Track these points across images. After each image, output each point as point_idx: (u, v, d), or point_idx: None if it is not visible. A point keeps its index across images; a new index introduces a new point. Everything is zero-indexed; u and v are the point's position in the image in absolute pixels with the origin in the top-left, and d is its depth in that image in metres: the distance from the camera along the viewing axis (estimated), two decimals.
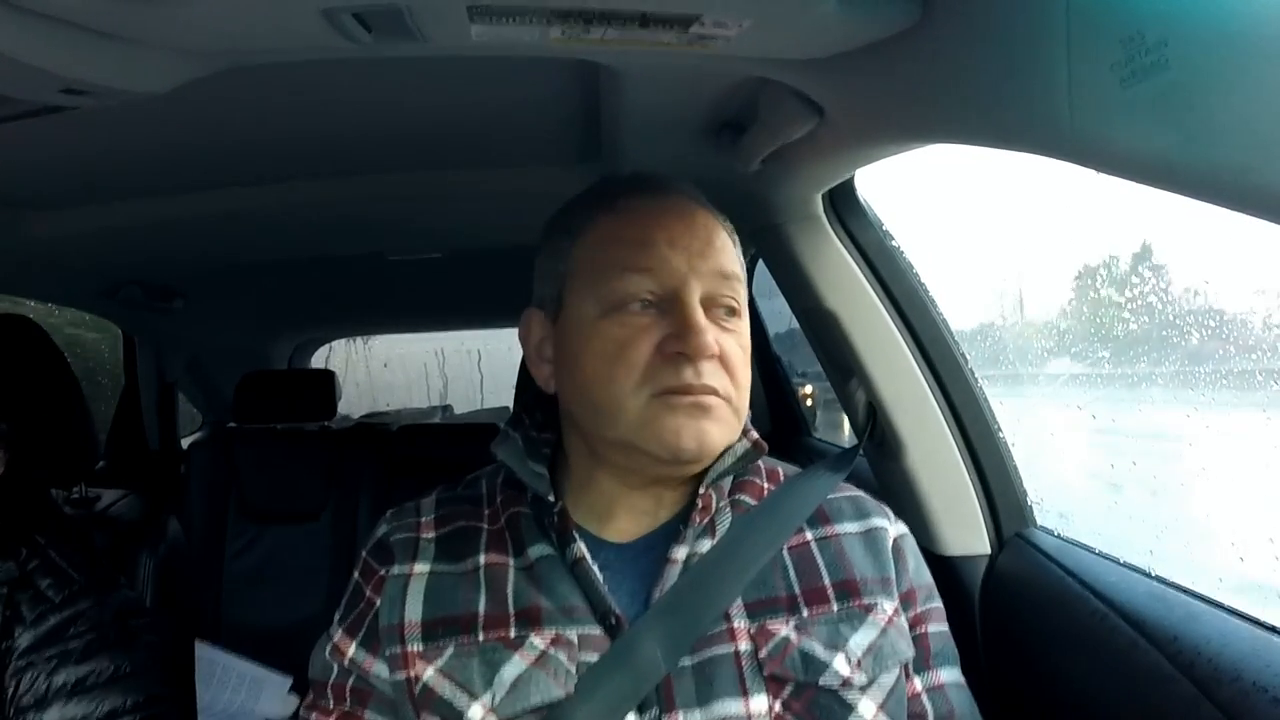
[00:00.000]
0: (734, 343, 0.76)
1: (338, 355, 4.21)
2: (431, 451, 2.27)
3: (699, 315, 0.73)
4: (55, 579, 1.02)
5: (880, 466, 1.27)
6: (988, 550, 1.17)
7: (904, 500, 1.20)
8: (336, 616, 0.81)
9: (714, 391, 0.73)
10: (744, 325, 0.78)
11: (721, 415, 0.74)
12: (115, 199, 1.33)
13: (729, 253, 0.78)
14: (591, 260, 0.76)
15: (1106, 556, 1.02)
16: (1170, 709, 0.80)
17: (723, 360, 0.74)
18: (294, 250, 1.81)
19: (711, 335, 0.73)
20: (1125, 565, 0.99)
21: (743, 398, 0.76)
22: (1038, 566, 1.07)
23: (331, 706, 0.77)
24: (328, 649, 0.79)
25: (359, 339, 4.54)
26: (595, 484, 0.79)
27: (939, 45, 0.67)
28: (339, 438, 2.37)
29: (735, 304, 0.77)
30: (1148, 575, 0.95)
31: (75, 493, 1.46)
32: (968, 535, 1.18)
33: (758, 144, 1.03)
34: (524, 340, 0.84)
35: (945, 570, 1.14)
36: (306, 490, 2.23)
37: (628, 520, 0.79)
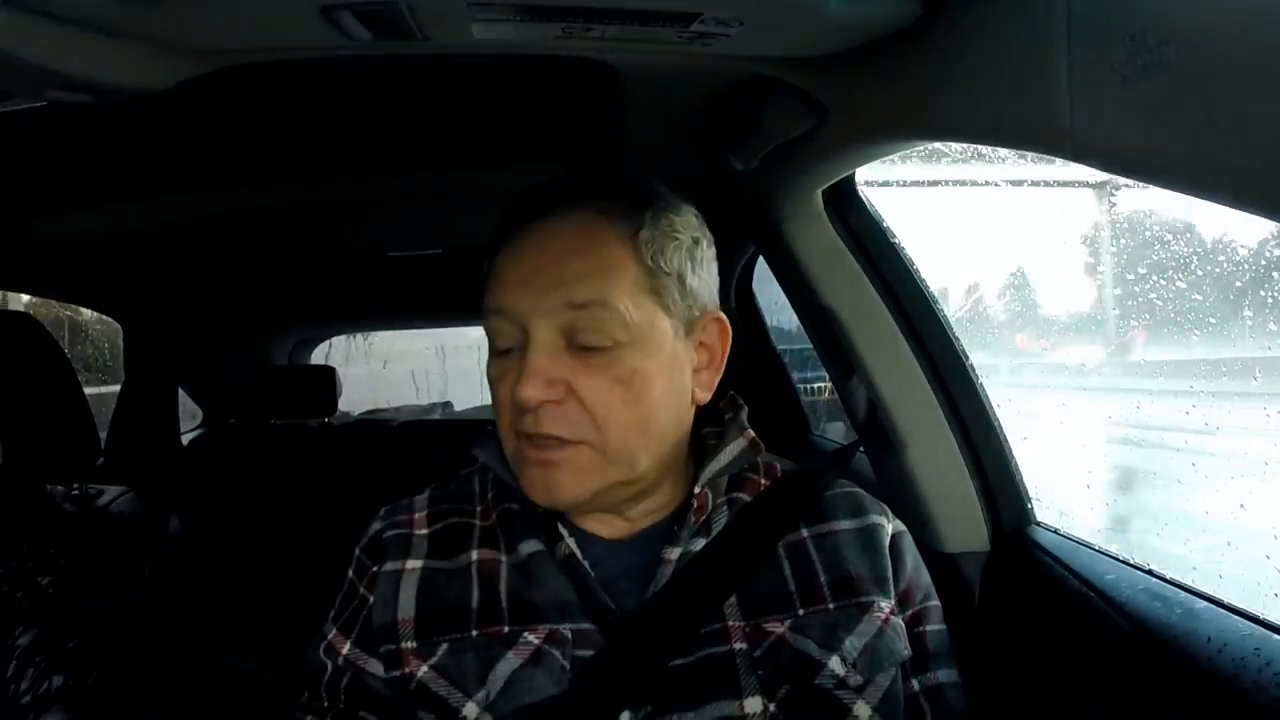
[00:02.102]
0: (598, 378, 0.70)
1: (338, 351, 4.21)
2: (432, 448, 2.27)
3: (532, 361, 0.69)
4: (55, 577, 1.02)
5: (880, 463, 1.27)
6: (987, 547, 1.17)
7: (904, 497, 1.20)
8: (331, 614, 0.81)
9: (558, 439, 0.70)
10: (629, 350, 0.71)
11: (579, 465, 0.71)
12: (115, 198, 1.33)
13: (596, 275, 0.71)
14: (484, 301, 0.77)
15: (1106, 554, 1.02)
16: (1170, 708, 0.80)
17: (579, 400, 0.70)
18: (294, 248, 1.81)
19: (541, 383, 0.69)
20: (1125, 562, 0.98)
21: (617, 436, 0.71)
22: (1037, 564, 1.07)
23: (325, 705, 0.77)
24: (322, 647, 0.79)
25: (359, 335, 4.54)
26: None
27: (939, 44, 0.67)
28: (339, 434, 2.37)
29: (596, 337, 0.70)
30: (1147, 573, 0.95)
31: (75, 490, 1.46)
32: (967, 532, 1.18)
33: (758, 142, 1.03)
34: None
35: (945, 567, 1.14)
36: (306, 488, 2.23)
37: (607, 527, 0.79)
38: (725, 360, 0.80)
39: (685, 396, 0.76)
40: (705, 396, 0.78)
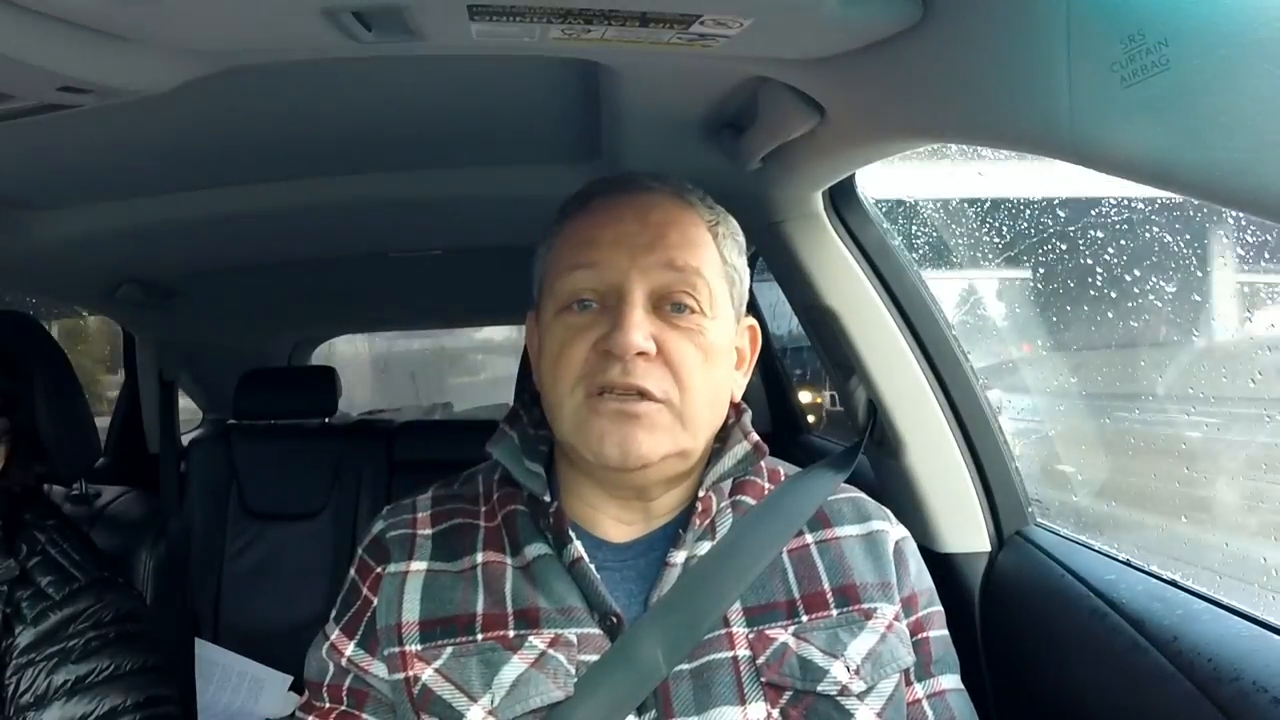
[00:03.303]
0: (685, 342, 0.73)
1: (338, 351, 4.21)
2: (432, 449, 2.27)
3: (631, 312, 0.71)
4: (56, 576, 1.02)
5: (880, 464, 1.27)
6: (988, 548, 1.17)
7: (904, 498, 1.20)
8: (333, 615, 0.80)
9: (644, 393, 0.71)
10: (710, 324, 0.74)
11: (656, 422, 0.71)
12: (115, 198, 1.33)
13: (691, 246, 0.75)
14: (554, 261, 0.77)
15: (1106, 554, 1.02)
16: (1170, 708, 0.80)
17: (666, 360, 0.71)
18: (294, 249, 1.81)
19: (642, 333, 0.70)
20: (1125, 563, 0.99)
21: (693, 401, 0.72)
22: (1038, 564, 1.08)
23: (327, 706, 0.77)
24: (324, 648, 0.79)
25: (359, 336, 4.54)
26: (579, 486, 0.79)
27: (939, 45, 0.67)
28: (339, 435, 2.37)
29: (690, 300, 0.74)
30: (1147, 573, 0.95)
31: (75, 490, 1.46)
32: (968, 533, 1.18)
33: (758, 143, 1.03)
34: (527, 341, 0.85)
35: (945, 568, 1.14)
36: (307, 488, 2.23)
37: (615, 526, 0.79)
38: (753, 366, 0.84)
39: (729, 387, 0.79)
40: (737, 396, 0.81)
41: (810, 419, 2.41)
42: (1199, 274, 1.22)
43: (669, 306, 0.73)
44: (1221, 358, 1.30)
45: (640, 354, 0.70)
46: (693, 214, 0.78)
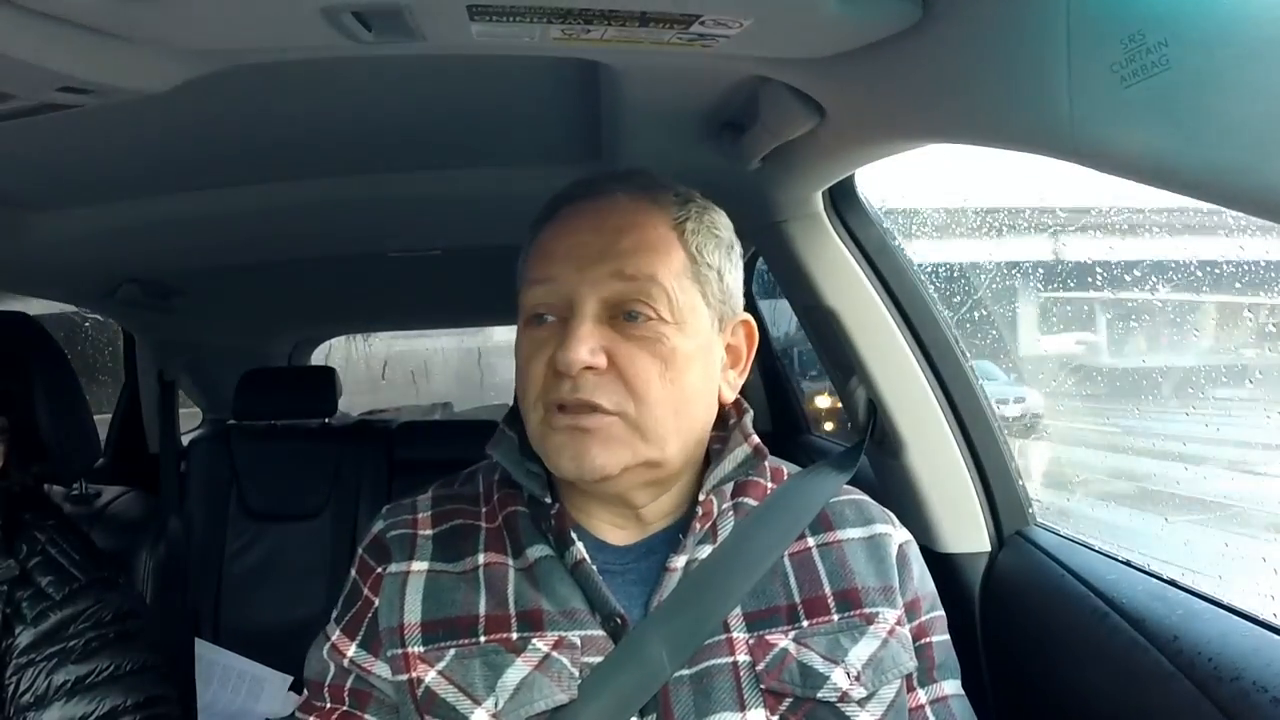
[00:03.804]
0: (640, 352, 0.71)
1: (338, 352, 4.21)
2: (432, 449, 2.27)
3: (578, 327, 0.70)
4: (56, 576, 1.02)
5: (881, 464, 1.27)
6: (988, 548, 1.17)
7: (904, 498, 1.20)
8: (334, 615, 0.80)
9: (595, 408, 0.70)
10: (671, 329, 0.72)
11: (610, 434, 0.70)
12: (115, 198, 1.33)
13: (645, 252, 0.72)
14: (522, 274, 0.77)
15: (1106, 554, 1.02)
16: (1170, 708, 0.80)
17: (618, 372, 0.70)
18: (294, 249, 1.81)
19: (587, 348, 0.69)
20: (1125, 563, 0.99)
21: (651, 412, 0.71)
22: (1038, 564, 1.08)
23: (328, 707, 0.77)
24: (325, 648, 0.78)
25: (359, 336, 4.54)
26: (573, 491, 0.78)
27: (939, 45, 0.67)
28: (339, 435, 2.37)
29: (644, 308, 0.71)
30: (1148, 573, 0.95)
31: (75, 490, 1.46)
32: (968, 533, 1.18)
33: (758, 143, 1.03)
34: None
35: (945, 568, 1.14)
36: (307, 489, 2.23)
37: (612, 530, 0.78)
38: (750, 363, 0.81)
39: (714, 390, 0.77)
40: (730, 396, 0.79)
41: (829, 426, 2.41)
42: None
43: (623, 315, 0.72)
44: None
45: (590, 368, 0.69)
46: (654, 215, 0.75)
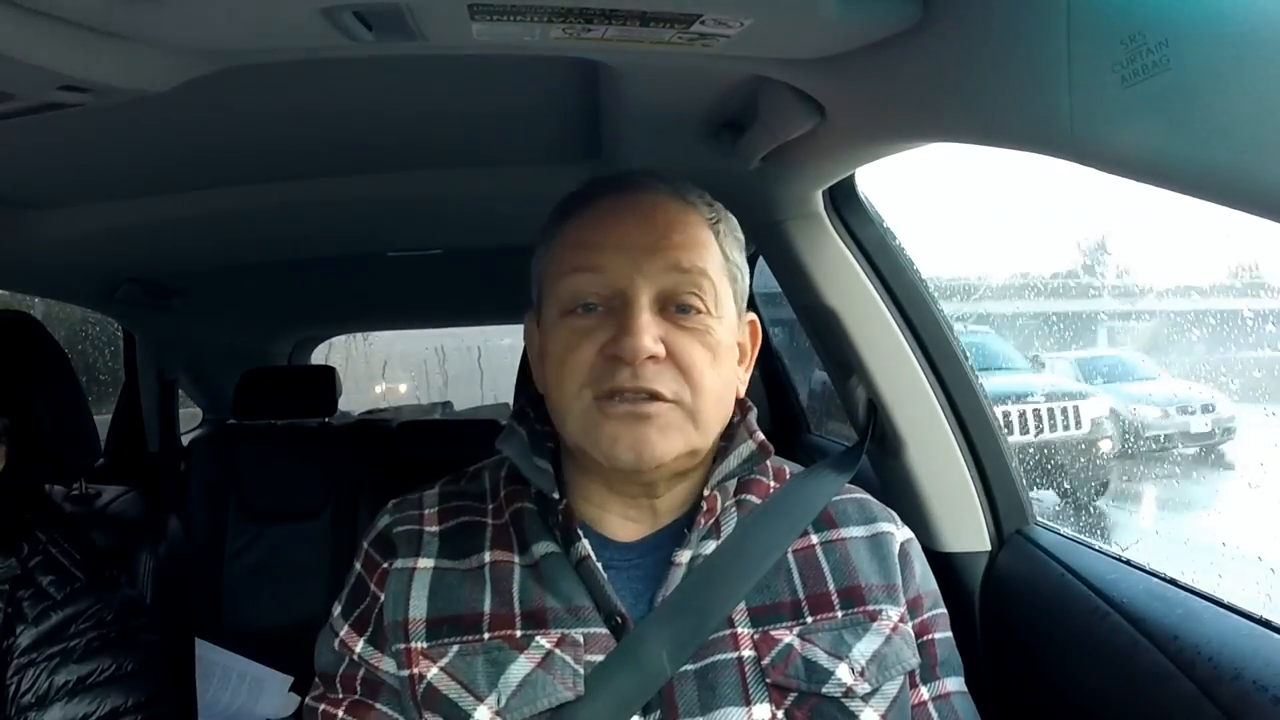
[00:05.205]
0: (693, 343, 0.73)
1: (338, 352, 4.21)
2: (432, 449, 2.28)
3: (638, 316, 0.71)
4: (57, 576, 1.02)
5: (881, 464, 1.27)
6: (988, 547, 1.17)
7: (904, 497, 1.20)
8: (338, 609, 0.80)
9: (655, 395, 0.71)
10: (716, 323, 0.75)
11: (668, 421, 0.71)
12: (115, 198, 1.33)
13: (695, 247, 0.75)
14: (555, 263, 0.77)
15: (1106, 553, 1.02)
16: (1170, 707, 0.80)
17: (675, 362, 0.72)
18: (294, 248, 1.81)
19: (650, 336, 0.70)
20: (1125, 562, 0.99)
21: (705, 401, 0.73)
22: (1038, 564, 1.08)
23: (341, 696, 0.77)
24: (335, 642, 0.78)
25: (359, 335, 4.55)
26: (586, 485, 0.79)
27: (939, 45, 0.67)
28: (339, 435, 2.37)
29: (697, 301, 0.74)
30: (1148, 572, 0.95)
31: (75, 489, 1.46)
32: (968, 532, 1.18)
33: (758, 142, 1.03)
34: (526, 341, 0.85)
35: (945, 567, 1.14)
36: (307, 488, 2.23)
37: (622, 524, 0.79)
38: (754, 361, 0.84)
39: (734, 384, 0.79)
40: (741, 391, 0.81)
41: None
42: None
43: (675, 308, 0.74)
44: None
45: (650, 357, 0.71)
46: (694, 213, 0.78)
